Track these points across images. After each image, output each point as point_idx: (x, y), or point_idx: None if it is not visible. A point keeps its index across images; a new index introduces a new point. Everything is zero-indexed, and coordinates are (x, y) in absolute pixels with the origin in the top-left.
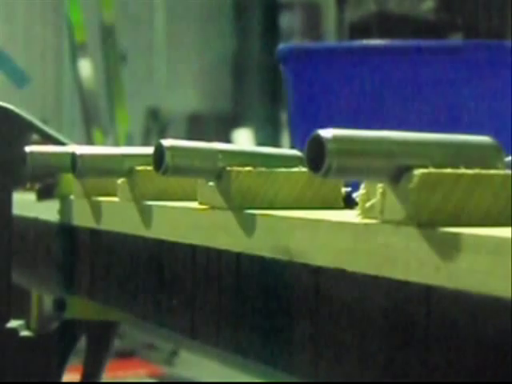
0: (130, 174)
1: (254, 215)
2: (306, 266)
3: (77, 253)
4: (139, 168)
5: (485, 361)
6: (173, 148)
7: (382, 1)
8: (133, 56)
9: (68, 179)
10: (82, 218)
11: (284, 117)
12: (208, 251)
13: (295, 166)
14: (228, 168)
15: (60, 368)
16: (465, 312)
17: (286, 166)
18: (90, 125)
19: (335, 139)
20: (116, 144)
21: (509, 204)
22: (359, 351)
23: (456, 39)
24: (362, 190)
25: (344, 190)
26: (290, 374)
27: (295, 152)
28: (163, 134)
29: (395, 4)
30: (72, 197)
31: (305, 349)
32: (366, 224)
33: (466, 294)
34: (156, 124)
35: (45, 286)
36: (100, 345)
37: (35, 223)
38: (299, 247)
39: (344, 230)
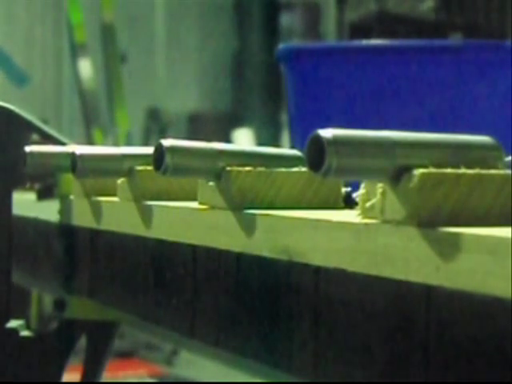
0: (130, 173)
1: (253, 215)
2: (306, 265)
3: (77, 253)
4: (139, 168)
5: (485, 361)
6: (173, 148)
7: (382, 1)
8: (133, 56)
9: (68, 179)
10: (81, 218)
11: (284, 117)
12: (208, 251)
13: (295, 165)
14: (228, 168)
15: (60, 368)
16: (465, 312)
17: (286, 166)
18: (90, 125)
19: (335, 139)
20: (116, 144)
21: (509, 204)
22: (359, 351)
23: (456, 39)
24: (361, 190)
25: (344, 189)
26: (290, 374)
27: (295, 152)
28: (163, 134)
29: (395, 4)
30: (72, 197)
31: (305, 349)
32: (366, 224)
33: (466, 294)
34: (156, 124)
35: (45, 286)
36: (100, 345)
37: (35, 223)
38: (299, 247)
39: (344, 230)
